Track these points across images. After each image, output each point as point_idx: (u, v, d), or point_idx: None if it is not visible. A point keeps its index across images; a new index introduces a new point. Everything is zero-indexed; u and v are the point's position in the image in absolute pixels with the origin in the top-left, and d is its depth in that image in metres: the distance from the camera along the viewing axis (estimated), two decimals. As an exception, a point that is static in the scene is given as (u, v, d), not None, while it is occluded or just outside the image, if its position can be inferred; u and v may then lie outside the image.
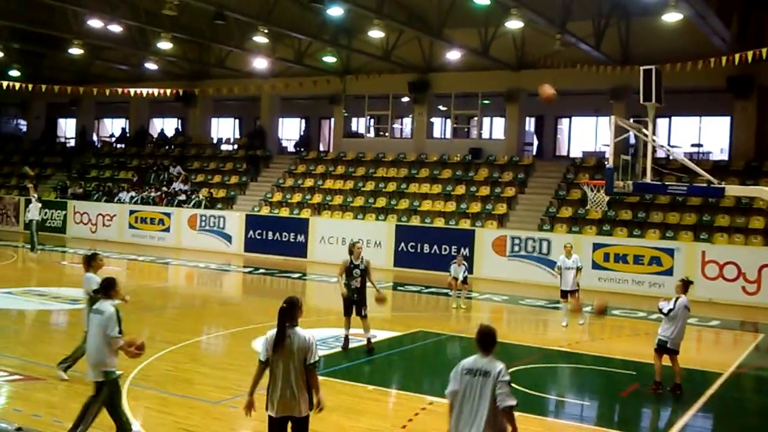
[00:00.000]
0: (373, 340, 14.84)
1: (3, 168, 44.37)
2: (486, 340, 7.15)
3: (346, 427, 10.14)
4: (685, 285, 12.96)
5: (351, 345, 14.87)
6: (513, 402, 6.90)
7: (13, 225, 38.73)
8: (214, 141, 42.11)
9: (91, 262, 11.49)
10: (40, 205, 28.30)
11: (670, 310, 12.59)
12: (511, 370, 13.47)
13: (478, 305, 22.37)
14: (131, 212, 35.62)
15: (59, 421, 9.61)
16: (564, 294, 19.05)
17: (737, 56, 22.42)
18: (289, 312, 7.61)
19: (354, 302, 14.68)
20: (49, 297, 19.57)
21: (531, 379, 13.58)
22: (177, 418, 10.03)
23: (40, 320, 17.12)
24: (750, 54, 21.89)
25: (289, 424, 7.67)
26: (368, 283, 14.69)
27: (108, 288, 9.03)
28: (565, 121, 36.95)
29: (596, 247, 25.94)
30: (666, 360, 12.63)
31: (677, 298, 12.67)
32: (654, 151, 16.44)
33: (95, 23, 30.02)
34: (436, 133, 37.46)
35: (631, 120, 17.56)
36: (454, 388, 7.00)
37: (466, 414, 6.85)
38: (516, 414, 11.00)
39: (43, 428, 9.35)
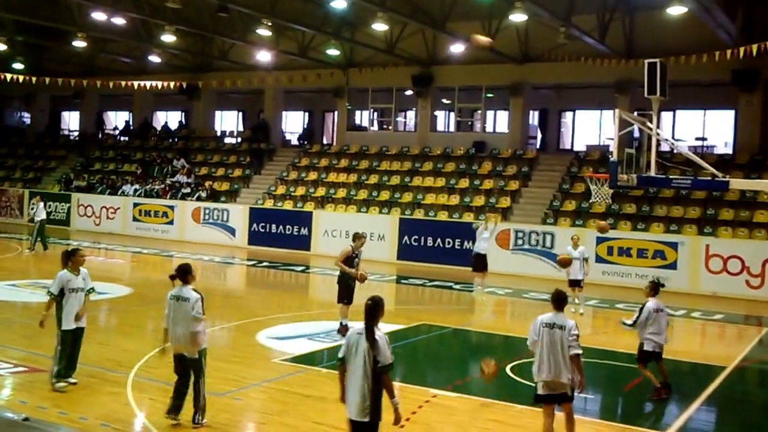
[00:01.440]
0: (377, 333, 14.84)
1: (7, 161, 44.41)
2: (560, 300, 9.23)
3: (350, 420, 10.14)
4: (654, 287, 12.33)
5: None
6: (579, 351, 8.90)
7: (17, 218, 38.78)
8: (218, 134, 42.12)
9: (71, 258, 10.96)
10: (42, 204, 28.29)
11: (635, 322, 12.01)
12: (514, 363, 13.61)
13: (482, 299, 22.35)
14: (135, 205, 35.65)
15: (64, 413, 9.65)
16: (572, 283, 19.20)
17: (742, 50, 22.37)
18: (373, 310, 7.57)
19: (352, 289, 15.08)
20: (53, 289, 19.58)
21: (535, 372, 13.57)
22: (182, 410, 10.04)
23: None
24: (755, 47, 21.80)
25: None
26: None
27: (186, 273, 9.66)
28: (569, 115, 36.88)
29: (600, 240, 25.90)
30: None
31: (643, 306, 12.05)
32: (658, 144, 16.41)
33: (99, 16, 30.00)
34: (440, 127, 37.42)
35: (636, 113, 17.51)
36: (534, 338, 9.11)
37: (548, 358, 8.92)
38: (520, 407, 11.09)
39: (48, 420, 9.37)
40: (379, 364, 7.37)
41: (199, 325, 9.50)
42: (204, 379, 9.64)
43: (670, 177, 17.85)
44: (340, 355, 7.70)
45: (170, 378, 11.52)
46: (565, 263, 18.62)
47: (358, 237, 15.24)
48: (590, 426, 10.69)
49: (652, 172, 15.68)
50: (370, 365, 7.38)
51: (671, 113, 32.66)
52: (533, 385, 11.92)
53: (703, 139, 32.68)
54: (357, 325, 7.66)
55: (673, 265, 24.74)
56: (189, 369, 9.59)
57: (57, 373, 10.70)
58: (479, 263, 21.48)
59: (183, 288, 9.58)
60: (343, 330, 15.09)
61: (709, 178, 16.32)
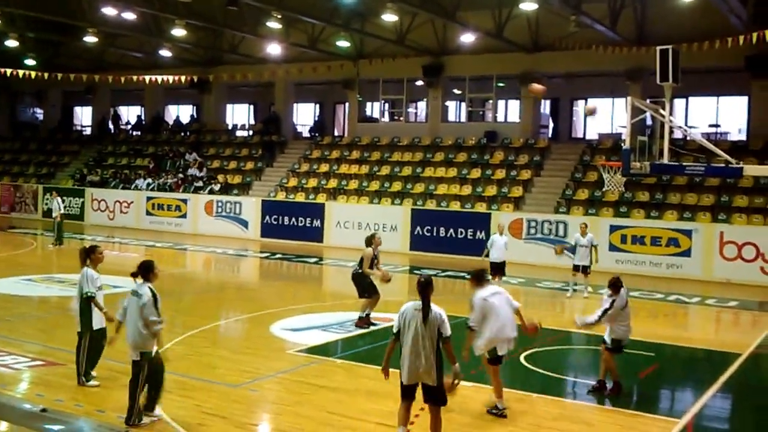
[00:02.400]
0: (389, 324, 14.95)
1: (20, 156, 44.63)
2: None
3: (368, 410, 10.19)
4: (614, 285, 11.67)
5: (373, 328, 15.05)
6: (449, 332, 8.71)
7: (32, 213, 39.00)
8: (230, 127, 42.18)
9: (90, 255, 10.85)
10: (59, 198, 28.51)
11: (600, 317, 11.43)
12: (528, 352, 13.61)
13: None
14: (148, 199, 35.79)
15: (80, 405, 9.70)
16: (576, 268, 19.26)
17: (755, 35, 22.22)
18: (426, 288, 8.59)
19: (369, 284, 15.25)
20: (69, 284, 19.66)
21: (548, 361, 13.59)
22: (197, 402, 10.11)
23: (60, 307, 17.24)
24: (768, 33, 21.68)
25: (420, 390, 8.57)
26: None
27: (147, 271, 9.42)
28: (580, 103, 36.70)
29: (613, 228, 25.86)
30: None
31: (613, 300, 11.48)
32: (671, 131, 16.35)
33: (109, 11, 30.09)
34: (451, 117, 37.34)
35: (648, 101, 17.43)
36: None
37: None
38: (533, 395, 11.09)
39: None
40: (443, 335, 8.46)
41: (146, 327, 9.13)
42: (141, 385, 9.17)
43: (684, 164, 17.73)
44: (394, 330, 8.65)
45: (186, 370, 11.61)
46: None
47: (373, 239, 15.31)
48: (605, 413, 10.70)
49: (665, 160, 15.62)
50: (434, 336, 8.41)
51: (684, 100, 32.50)
52: (546, 373, 11.94)
53: (717, 125, 32.50)
54: (411, 303, 8.67)
55: (687, 253, 24.67)
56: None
57: (86, 372, 10.67)
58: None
59: (142, 285, 9.34)
60: (360, 323, 15.15)
61: (723, 164, 16.27)
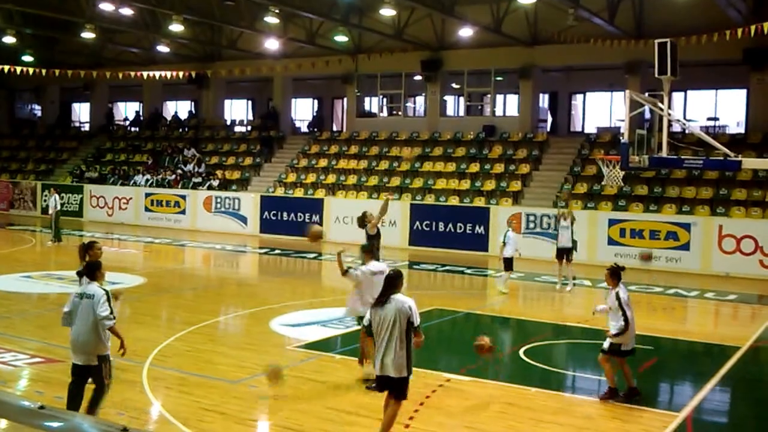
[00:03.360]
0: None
1: (19, 153, 44.60)
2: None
3: (365, 404, 10.19)
4: (614, 273, 11.13)
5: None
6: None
7: (30, 210, 38.99)
8: (228, 123, 42.16)
9: (88, 251, 10.47)
10: (56, 195, 28.51)
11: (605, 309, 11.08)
12: (528, 346, 13.63)
13: (493, 282, 22.37)
14: (147, 195, 35.78)
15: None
16: (560, 253, 19.20)
17: (753, 28, 22.19)
18: (393, 280, 8.74)
19: None
20: (68, 280, 19.68)
21: (547, 354, 13.62)
22: (196, 398, 10.11)
23: (59, 303, 17.12)
24: (766, 25, 21.63)
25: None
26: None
27: (93, 270, 9.04)
28: (579, 97, 36.72)
29: (612, 222, 25.86)
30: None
31: (617, 295, 10.91)
32: (670, 125, 16.35)
33: (106, 6, 29.99)
34: (450, 111, 37.32)
35: (646, 94, 17.44)
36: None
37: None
38: (533, 389, 11.10)
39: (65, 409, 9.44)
40: (414, 325, 8.52)
41: (104, 328, 8.67)
42: (105, 391, 8.81)
43: (682, 157, 17.78)
44: (365, 323, 9.12)
45: (185, 367, 11.61)
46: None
47: (365, 217, 14.51)
48: (604, 407, 10.70)
49: (664, 153, 15.64)
50: (403, 327, 8.46)
51: (682, 93, 32.48)
52: (545, 367, 11.97)
53: (715, 118, 32.48)
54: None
55: (685, 246, 24.67)
56: (85, 380, 8.78)
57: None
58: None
59: (89, 285, 8.87)
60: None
61: (722, 158, 16.27)
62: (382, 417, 8.71)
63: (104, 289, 8.81)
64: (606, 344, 10.90)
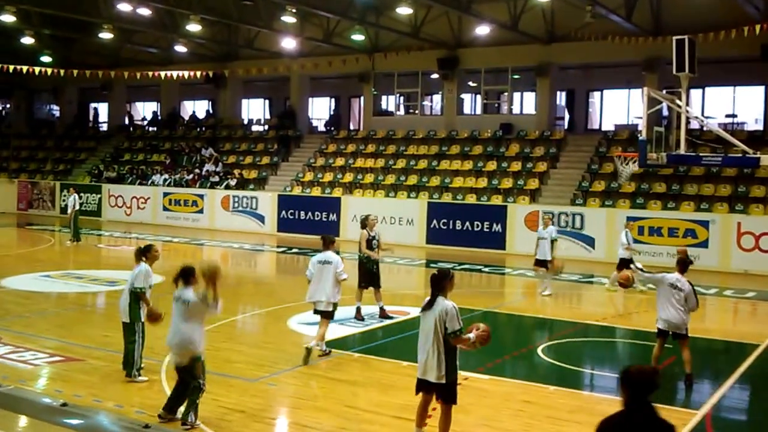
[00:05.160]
0: (406, 318, 15.06)
1: (37, 153, 44.90)
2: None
3: (382, 403, 10.21)
4: (683, 264, 11.92)
5: (387, 322, 15.11)
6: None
7: (49, 209, 39.26)
8: (245, 122, 42.24)
9: (146, 254, 11.06)
10: (76, 195, 28.68)
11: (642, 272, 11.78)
12: (547, 344, 13.61)
13: (511, 281, 22.34)
14: (165, 194, 35.94)
15: (99, 400, 9.77)
16: (537, 263, 19.04)
17: (771, 24, 22.06)
18: (438, 280, 8.51)
19: (373, 274, 15.39)
20: (87, 279, 19.86)
21: (566, 353, 13.59)
22: (215, 396, 10.15)
23: (78, 302, 17.38)
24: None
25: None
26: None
27: (188, 275, 9.45)
28: (596, 94, 36.56)
29: (630, 220, 25.70)
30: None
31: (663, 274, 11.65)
32: (688, 122, 16.30)
33: (124, 7, 30.16)
34: (467, 110, 37.26)
35: (664, 91, 17.38)
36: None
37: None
38: (551, 388, 11.08)
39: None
40: (448, 331, 8.19)
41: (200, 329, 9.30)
42: (201, 389, 9.25)
43: (700, 155, 17.70)
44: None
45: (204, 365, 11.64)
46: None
47: (367, 220, 15.68)
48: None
49: (682, 150, 15.59)
50: (441, 333, 8.22)
51: (700, 90, 32.28)
52: (563, 365, 11.96)
53: (733, 115, 32.28)
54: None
55: (704, 244, 24.54)
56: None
57: (139, 366, 10.81)
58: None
59: (185, 290, 9.41)
60: (359, 315, 15.27)
61: (740, 154, 16.21)
62: (415, 417, 8.69)
63: (199, 293, 9.27)
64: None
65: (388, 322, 15.24)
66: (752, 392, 12.23)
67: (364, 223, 15.59)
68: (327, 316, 12.39)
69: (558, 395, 10.86)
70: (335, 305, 12.45)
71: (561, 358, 12.91)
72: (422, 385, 8.50)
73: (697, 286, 19.80)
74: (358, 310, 15.36)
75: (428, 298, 8.47)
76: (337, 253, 12.92)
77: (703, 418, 10.12)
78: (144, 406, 9.69)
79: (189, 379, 9.17)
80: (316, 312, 12.50)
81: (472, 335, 8.36)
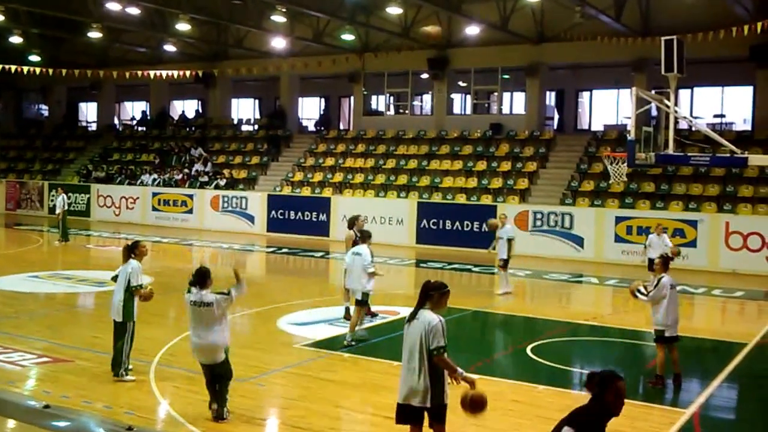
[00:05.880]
0: (395, 317, 15.09)
1: (26, 153, 44.72)
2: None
3: (373, 403, 10.22)
4: (665, 262, 11.64)
5: (377, 322, 15.12)
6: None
7: (38, 210, 39.11)
8: (235, 122, 42.18)
9: (134, 251, 11.06)
10: (64, 195, 28.58)
11: (649, 292, 11.41)
12: (536, 343, 13.64)
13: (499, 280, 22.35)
14: (154, 194, 35.85)
15: (88, 401, 9.74)
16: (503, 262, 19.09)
17: (759, 25, 22.12)
18: (427, 290, 7.49)
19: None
20: (75, 280, 19.79)
21: (555, 352, 13.62)
22: (204, 397, 10.09)
23: (67, 303, 17.32)
24: (773, 22, 21.59)
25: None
26: None
27: (204, 278, 9.46)
28: (586, 95, 36.67)
29: (619, 220, 25.84)
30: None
31: (659, 279, 11.39)
32: (676, 122, 16.35)
33: (113, 6, 30.06)
34: (456, 109, 37.30)
35: (653, 91, 17.43)
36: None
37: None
38: (540, 387, 11.11)
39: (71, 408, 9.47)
40: (431, 347, 7.23)
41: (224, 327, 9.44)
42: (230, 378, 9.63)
43: (689, 154, 17.75)
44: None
45: (193, 366, 11.60)
46: (491, 226, 19.21)
47: (356, 220, 15.67)
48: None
49: (671, 150, 15.64)
50: (425, 350, 7.26)
51: (689, 90, 32.40)
52: (553, 364, 11.98)
53: (722, 115, 32.42)
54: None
55: (692, 243, 24.62)
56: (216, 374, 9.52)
57: (126, 365, 10.83)
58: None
59: (201, 292, 9.38)
60: (348, 315, 15.27)
61: (728, 154, 16.28)
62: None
63: (223, 293, 9.40)
64: (653, 332, 11.54)
65: (377, 322, 15.23)
66: (740, 391, 12.28)
67: (353, 223, 15.60)
68: (359, 303, 13.56)
69: (547, 394, 10.89)
70: (365, 294, 13.51)
71: (550, 358, 12.93)
72: (405, 413, 7.45)
73: (685, 285, 19.91)
74: (347, 310, 15.35)
75: (413, 309, 7.54)
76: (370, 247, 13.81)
77: (691, 417, 10.15)
78: (133, 407, 9.66)
79: (226, 376, 9.44)
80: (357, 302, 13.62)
81: (462, 372, 7.31)
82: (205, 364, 9.44)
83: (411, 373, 7.31)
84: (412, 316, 7.43)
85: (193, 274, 9.52)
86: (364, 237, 14.01)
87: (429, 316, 7.31)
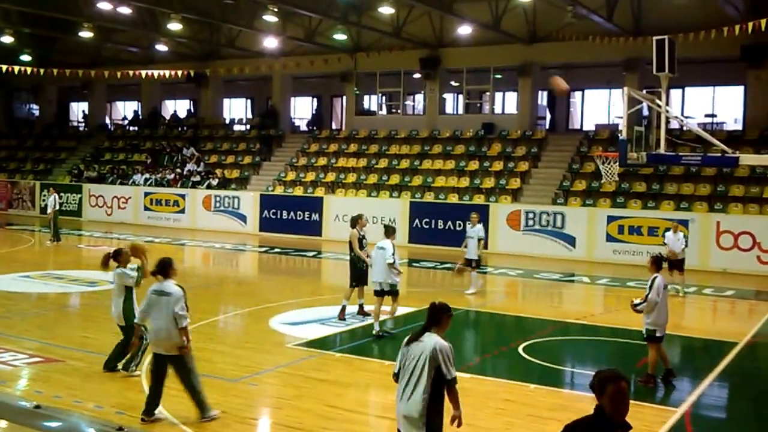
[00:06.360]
0: (386, 317, 15.07)
1: (17, 153, 44.59)
2: None
3: (367, 403, 10.23)
4: (656, 261, 11.66)
5: (368, 321, 15.12)
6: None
7: (29, 209, 39.00)
8: (227, 121, 42.14)
9: (117, 257, 11.07)
10: (55, 195, 28.51)
11: (645, 298, 11.49)
12: (527, 343, 13.66)
13: (493, 280, 22.41)
14: (146, 194, 35.79)
15: (79, 401, 9.73)
16: (467, 262, 19.06)
17: (750, 25, 22.21)
18: (436, 311, 7.05)
19: (363, 272, 15.39)
20: (67, 280, 19.75)
21: (546, 351, 13.64)
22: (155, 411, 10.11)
23: (58, 303, 17.28)
24: (763, 22, 21.65)
25: None
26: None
27: (167, 268, 9.38)
28: (577, 94, 36.70)
29: (610, 219, 25.90)
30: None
31: (653, 279, 11.49)
32: (667, 121, 16.38)
33: (105, 5, 30.02)
34: (449, 109, 37.34)
35: (645, 91, 17.47)
36: None
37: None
38: (532, 386, 11.13)
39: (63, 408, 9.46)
40: (444, 376, 6.75)
41: (185, 322, 9.19)
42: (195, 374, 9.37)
43: (680, 154, 17.79)
44: (395, 369, 7.04)
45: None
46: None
47: (359, 219, 15.68)
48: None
49: (662, 150, 15.67)
50: (430, 377, 6.73)
51: (680, 90, 32.49)
52: (544, 363, 12.01)
53: (713, 115, 32.53)
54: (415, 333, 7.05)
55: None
56: (169, 368, 9.31)
57: (135, 364, 10.91)
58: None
59: (165, 282, 9.32)
60: (342, 314, 15.27)
61: (719, 154, 16.32)
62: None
63: (181, 287, 9.29)
64: (644, 331, 11.60)
65: (369, 321, 15.21)
66: (731, 390, 12.32)
67: (355, 222, 15.62)
68: (384, 294, 14.05)
69: (539, 393, 10.91)
70: (391, 285, 14.08)
71: (542, 357, 12.96)
72: None
73: (676, 284, 19.97)
74: (343, 309, 15.33)
75: (418, 330, 7.01)
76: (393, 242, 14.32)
77: (682, 415, 10.19)
78: (124, 407, 9.65)
79: (187, 369, 9.28)
80: (376, 293, 14.10)
81: (461, 412, 6.94)
82: (159, 354, 9.29)
83: (411, 396, 6.77)
84: (416, 337, 6.91)
85: (156, 264, 9.48)
86: (389, 232, 14.42)
87: (438, 340, 6.82)
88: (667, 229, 20.62)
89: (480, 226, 19.37)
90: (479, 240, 19.01)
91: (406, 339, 7.02)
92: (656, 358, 11.50)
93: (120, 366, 11.02)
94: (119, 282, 11.04)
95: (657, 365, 11.51)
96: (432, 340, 6.80)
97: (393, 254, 13.93)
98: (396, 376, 6.99)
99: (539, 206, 27.53)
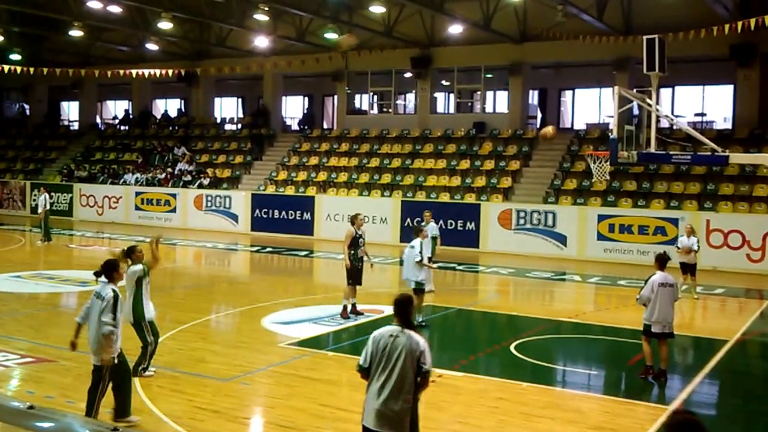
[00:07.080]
0: (380, 316, 15.15)
1: (7, 152, 44.44)
2: None
3: (357, 401, 10.21)
4: (658, 259, 11.76)
5: (361, 321, 15.15)
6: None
7: (20, 209, 38.88)
8: (218, 121, 42.07)
9: (130, 255, 10.90)
10: (46, 194, 28.43)
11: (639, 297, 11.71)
12: (519, 341, 13.70)
13: (485, 278, 22.46)
14: (137, 194, 35.72)
15: (72, 402, 9.71)
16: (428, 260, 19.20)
17: (740, 24, 22.30)
18: (404, 306, 6.82)
19: (359, 271, 15.48)
20: (58, 280, 19.71)
21: (538, 350, 13.68)
22: (189, 396, 10.14)
23: (50, 303, 17.25)
24: (752, 22, 21.76)
25: None
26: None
27: (110, 271, 8.94)
28: (568, 93, 36.83)
29: (601, 218, 25.97)
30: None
31: (648, 277, 11.70)
32: (658, 121, 16.45)
33: (95, 4, 29.91)
34: (440, 108, 37.37)
35: (635, 90, 17.54)
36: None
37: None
38: (524, 384, 11.18)
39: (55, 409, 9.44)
40: (422, 369, 6.60)
41: (107, 330, 8.59)
42: (102, 393, 8.85)
43: (670, 153, 17.85)
44: (362, 362, 6.82)
45: (177, 365, 11.63)
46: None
47: (356, 218, 15.74)
48: (594, 401, 10.79)
49: (652, 149, 15.73)
50: (413, 371, 6.59)
51: (670, 89, 32.61)
52: (536, 362, 12.04)
53: (703, 114, 32.67)
54: (387, 328, 6.84)
55: (674, 241, 24.64)
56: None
57: (143, 368, 10.77)
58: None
59: (105, 286, 8.81)
60: (345, 313, 15.30)
61: (709, 153, 16.37)
62: None
63: (116, 293, 8.72)
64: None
65: (362, 320, 15.27)
66: (721, 387, 12.39)
67: (353, 221, 15.79)
68: (415, 292, 14.14)
69: (531, 392, 10.95)
70: (417, 283, 14.47)
71: (534, 355, 13.00)
72: None
73: (688, 284, 20.07)
74: (345, 308, 15.36)
75: (393, 327, 6.77)
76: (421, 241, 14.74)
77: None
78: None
79: (119, 375, 8.91)
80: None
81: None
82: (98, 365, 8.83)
83: (390, 393, 6.58)
84: (391, 333, 6.70)
85: (102, 264, 9.06)
86: (417, 231, 15.10)
87: (417, 337, 6.66)
88: (680, 234, 20.61)
89: (433, 225, 19.64)
90: (433, 238, 19.25)
91: (377, 334, 6.80)
92: (649, 350, 11.66)
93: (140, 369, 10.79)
94: (130, 279, 10.80)
95: (651, 357, 11.61)
96: (412, 337, 6.64)
97: (420, 252, 14.37)
98: (366, 371, 6.77)
99: (530, 205, 27.59)
